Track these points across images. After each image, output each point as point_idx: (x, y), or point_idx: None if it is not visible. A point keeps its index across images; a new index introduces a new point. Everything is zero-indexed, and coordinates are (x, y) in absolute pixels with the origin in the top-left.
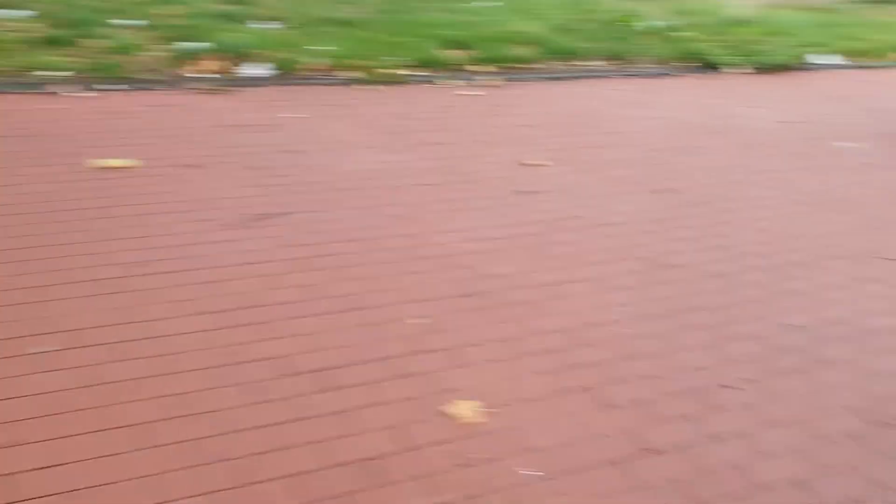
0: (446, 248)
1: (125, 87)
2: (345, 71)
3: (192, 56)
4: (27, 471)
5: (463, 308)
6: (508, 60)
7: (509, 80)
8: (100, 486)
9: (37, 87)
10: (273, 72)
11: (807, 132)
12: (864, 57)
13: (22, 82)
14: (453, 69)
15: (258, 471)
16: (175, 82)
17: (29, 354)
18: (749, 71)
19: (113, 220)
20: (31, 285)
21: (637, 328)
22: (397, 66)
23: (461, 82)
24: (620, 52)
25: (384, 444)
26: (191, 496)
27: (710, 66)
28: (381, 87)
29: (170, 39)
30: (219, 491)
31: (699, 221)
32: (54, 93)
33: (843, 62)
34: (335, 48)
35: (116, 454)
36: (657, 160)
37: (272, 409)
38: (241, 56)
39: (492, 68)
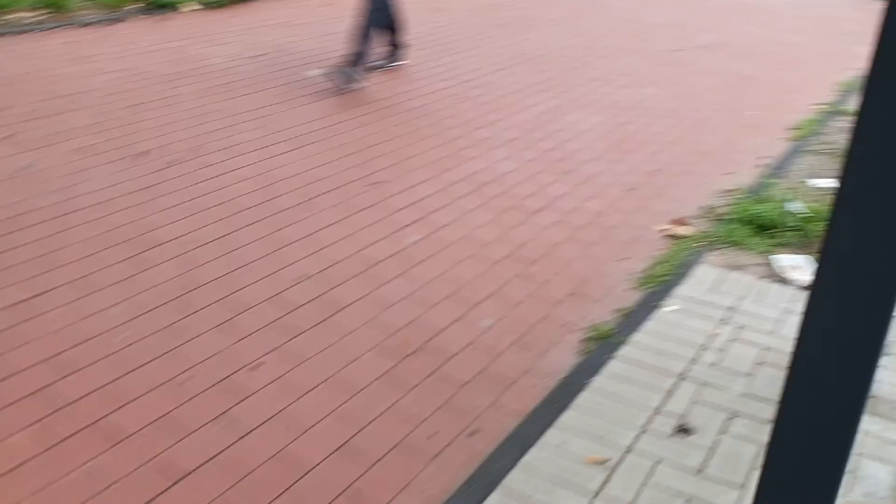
0: None
1: None
2: None
3: None
4: None
5: None
6: None
7: None
8: None
9: None
10: None
11: (274, 64)
12: None
13: None
14: None
15: None
16: None
17: None
18: (199, 7)
19: None
20: None
21: (135, 329)
22: None
23: None
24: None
25: None
26: None
27: (162, 6)
28: None
29: None
30: None
31: (183, 183)
32: None
33: None
34: None
35: None
36: (124, 121)
37: None
38: None
39: None
